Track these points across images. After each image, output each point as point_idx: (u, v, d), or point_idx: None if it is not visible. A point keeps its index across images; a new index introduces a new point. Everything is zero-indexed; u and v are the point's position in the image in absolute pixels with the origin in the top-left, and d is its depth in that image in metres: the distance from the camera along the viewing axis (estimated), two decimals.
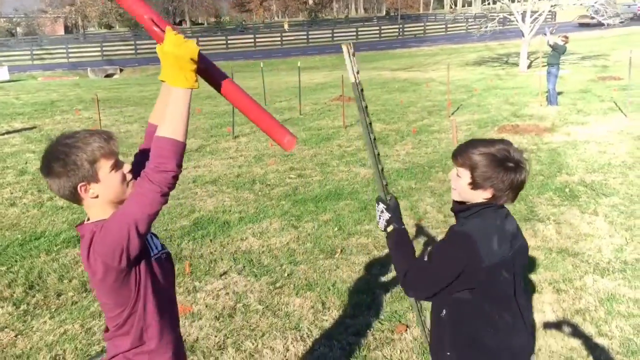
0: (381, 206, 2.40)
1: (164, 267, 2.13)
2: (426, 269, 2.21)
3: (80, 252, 1.99)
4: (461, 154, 2.24)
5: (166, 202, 1.85)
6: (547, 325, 4.30)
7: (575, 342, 4.08)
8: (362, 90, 2.26)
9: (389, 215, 2.38)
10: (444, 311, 2.23)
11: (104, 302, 2.05)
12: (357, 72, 2.22)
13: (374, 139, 2.34)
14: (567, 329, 4.25)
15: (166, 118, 1.82)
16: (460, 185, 2.24)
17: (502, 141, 2.25)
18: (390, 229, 2.36)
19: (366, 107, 2.29)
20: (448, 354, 2.26)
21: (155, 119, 2.18)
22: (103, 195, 1.95)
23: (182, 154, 1.83)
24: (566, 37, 14.63)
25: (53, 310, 4.83)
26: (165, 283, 2.12)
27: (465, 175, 2.21)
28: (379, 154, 2.37)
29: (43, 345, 4.28)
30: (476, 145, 2.22)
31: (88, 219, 2.02)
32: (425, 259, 2.24)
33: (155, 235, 2.21)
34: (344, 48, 2.27)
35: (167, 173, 1.79)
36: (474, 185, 2.20)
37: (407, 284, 2.25)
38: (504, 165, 2.16)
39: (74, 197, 1.95)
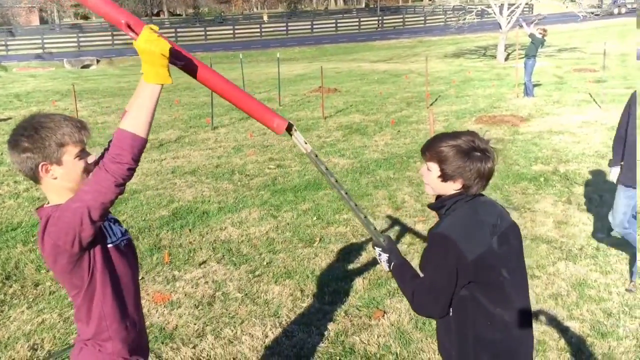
0: (378, 250, 2.45)
1: (123, 254, 2.15)
2: (426, 287, 2.22)
3: (38, 234, 2.00)
4: (429, 148, 2.29)
5: (121, 192, 1.87)
6: None
7: (548, 325, 4.19)
8: (316, 155, 2.30)
9: (387, 256, 2.42)
10: (451, 311, 2.25)
11: (62, 284, 2.09)
12: (305, 142, 2.28)
13: (347, 192, 2.39)
14: (540, 313, 4.35)
15: (132, 111, 1.85)
16: (431, 179, 2.29)
17: (467, 132, 2.31)
18: (392, 266, 2.40)
19: (327, 168, 2.33)
20: (453, 353, 2.29)
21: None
22: (62, 179, 1.97)
23: (141, 149, 1.84)
24: (544, 30, 14.76)
25: (30, 300, 4.81)
26: (124, 270, 2.14)
27: (435, 168, 2.26)
28: (356, 205, 2.42)
29: (20, 335, 4.27)
30: (443, 138, 2.28)
31: (48, 203, 2.05)
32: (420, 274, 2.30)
33: (118, 222, 2.22)
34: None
35: (122, 165, 1.81)
36: (444, 177, 2.24)
37: (418, 308, 2.25)
38: (470, 155, 2.21)
39: (34, 175, 1.97)
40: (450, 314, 2.23)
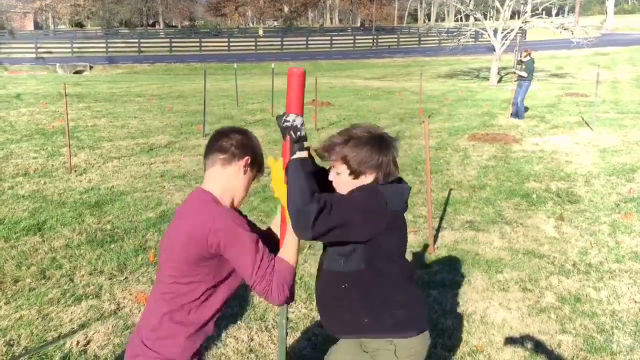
0: (299, 119, 2.09)
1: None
2: (344, 204, 2.15)
3: (180, 212, 2.15)
4: (330, 151, 2.29)
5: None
6: (513, 322, 4.31)
7: (540, 338, 4.10)
8: None
9: (305, 134, 2.11)
10: (346, 285, 2.28)
11: (172, 265, 2.12)
12: None
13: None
14: (532, 326, 4.26)
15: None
16: (343, 180, 2.28)
17: (358, 125, 2.33)
18: (301, 155, 2.11)
19: None
20: (366, 320, 2.30)
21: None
22: (239, 181, 2.16)
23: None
24: (526, 51, 14.79)
25: (9, 295, 4.66)
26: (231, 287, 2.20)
27: (343, 168, 2.26)
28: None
29: None
30: (338, 138, 2.29)
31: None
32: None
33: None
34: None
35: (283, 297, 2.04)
36: (354, 173, 2.25)
37: (319, 226, 2.05)
38: (370, 144, 2.24)
39: (231, 159, 2.13)
40: (345, 286, 2.27)
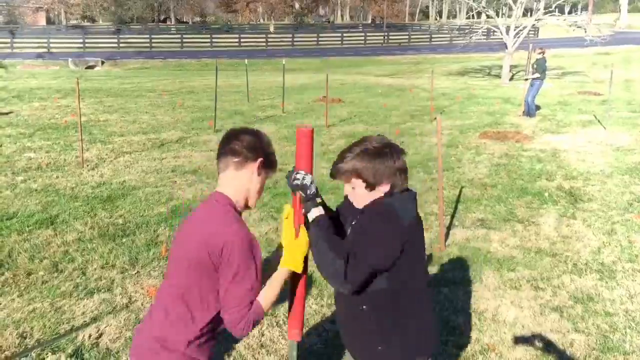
0: (309, 178, 2.18)
1: None
2: (363, 243, 2.15)
3: (199, 214, 2.17)
4: (340, 169, 2.26)
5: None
6: (524, 320, 4.29)
7: (552, 337, 4.08)
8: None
9: (315, 191, 2.20)
10: (364, 307, 2.25)
11: (181, 267, 2.15)
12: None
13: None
14: (544, 325, 4.24)
15: (269, 291, 2.14)
16: (359, 194, 2.26)
17: (363, 139, 2.30)
18: (317, 213, 2.20)
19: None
20: (379, 348, 2.27)
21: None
22: (252, 183, 2.17)
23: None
24: (541, 50, 14.68)
25: (22, 288, 4.69)
26: None
27: (357, 183, 2.24)
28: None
29: (10, 322, 4.15)
30: (347, 154, 2.25)
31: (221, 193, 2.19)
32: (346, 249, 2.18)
33: None
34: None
35: (247, 330, 2.09)
36: (370, 186, 2.22)
37: (352, 278, 2.12)
38: (381, 155, 2.20)
39: (244, 162, 2.14)
40: (364, 308, 2.24)
